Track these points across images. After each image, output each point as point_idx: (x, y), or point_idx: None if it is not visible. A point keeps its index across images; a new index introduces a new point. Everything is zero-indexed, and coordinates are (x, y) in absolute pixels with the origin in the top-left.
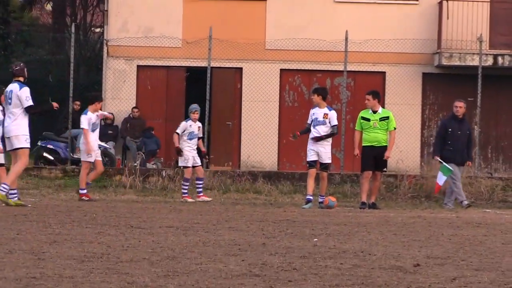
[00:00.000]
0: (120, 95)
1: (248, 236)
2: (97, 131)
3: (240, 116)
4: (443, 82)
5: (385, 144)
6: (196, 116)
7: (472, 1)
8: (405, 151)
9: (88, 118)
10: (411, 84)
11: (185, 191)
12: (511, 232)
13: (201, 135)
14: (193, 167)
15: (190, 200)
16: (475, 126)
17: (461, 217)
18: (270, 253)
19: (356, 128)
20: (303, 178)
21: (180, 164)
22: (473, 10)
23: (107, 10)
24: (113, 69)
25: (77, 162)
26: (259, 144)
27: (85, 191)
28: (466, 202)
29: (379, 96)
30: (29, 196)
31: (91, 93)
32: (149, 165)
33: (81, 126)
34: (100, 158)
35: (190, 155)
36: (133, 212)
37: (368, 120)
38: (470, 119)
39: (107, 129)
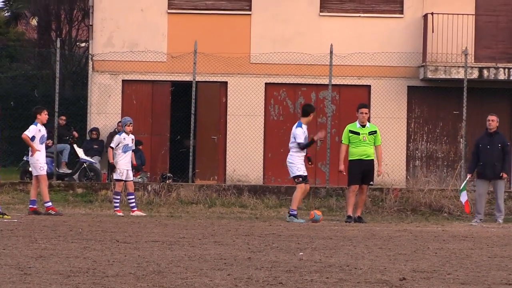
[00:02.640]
0: (105, 110)
1: (234, 250)
2: (44, 145)
3: (225, 130)
4: (428, 95)
5: (373, 158)
6: (131, 128)
7: (457, 14)
8: (391, 165)
9: (37, 129)
10: (396, 97)
11: (117, 204)
12: (497, 246)
13: (134, 148)
14: (125, 181)
15: (120, 214)
16: (461, 140)
17: (447, 230)
18: (256, 267)
19: (343, 141)
20: (288, 192)
21: (115, 177)
22: (458, 23)
23: (92, 25)
24: (98, 83)
25: (62, 177)
26: (244, 158)
27: (50, 204)
28: (477, 220)
29: None
30: (15, 211)
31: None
32: (135, 179)
33: (27, 132)
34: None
35: (124, 168)
36: (118, 226)
37: (358, 134)
38: (455, 132)
39: (92, 143)
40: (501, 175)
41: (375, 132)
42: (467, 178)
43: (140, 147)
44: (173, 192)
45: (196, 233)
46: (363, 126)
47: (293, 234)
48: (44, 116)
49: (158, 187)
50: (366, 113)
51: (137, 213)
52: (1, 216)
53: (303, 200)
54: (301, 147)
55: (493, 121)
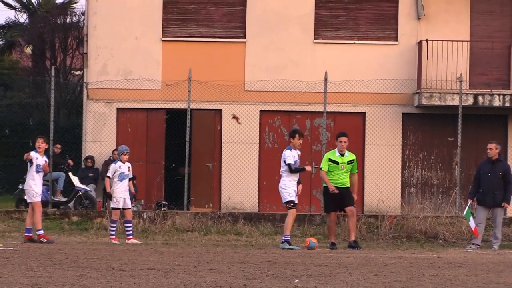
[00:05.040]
0: (100, 138)
1: (229, 278)
2: (41, 173)
3: (220, 157)
4: (423, 122)
5: (348, 186)
6: (127, 157)
7: (452, 41)
8: (386, 192)
9: (34, 156)
10: (391, 124)
11: (113, 232)
12: (492, 272)
13: (131, 176)
14: (123, 209)
15: (115, 242)
16: (456, 166)
17: (442, 257)
18: None
19: (322, 168)
20: (283, 219)
21: (111, 205)
22: (452, 50)
23: (86, 53)
24: (93, 111)
25: (58, 205)
26: (239, 185)
27: (42, 232)
28: (472, 246)
29: None
30: (11, 239)
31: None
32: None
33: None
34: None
35: (121, 196)
36: (114, 254)
37: (337, 163)
38: (450, 159)
39: (87, 171)
40: (502, 205)
41: (353, 161)
42: (469, 204)
43: (135, 182)
44: (169, 219)
45: (192, 260)
46: (342, 155)
47: (288, 261)
48: (36, 144)
49: (153, 215)
50: (345, 142)
51: (133, 241)
52: None
53: (298, 227)
54: (291, 169)
55: (491, 149)
